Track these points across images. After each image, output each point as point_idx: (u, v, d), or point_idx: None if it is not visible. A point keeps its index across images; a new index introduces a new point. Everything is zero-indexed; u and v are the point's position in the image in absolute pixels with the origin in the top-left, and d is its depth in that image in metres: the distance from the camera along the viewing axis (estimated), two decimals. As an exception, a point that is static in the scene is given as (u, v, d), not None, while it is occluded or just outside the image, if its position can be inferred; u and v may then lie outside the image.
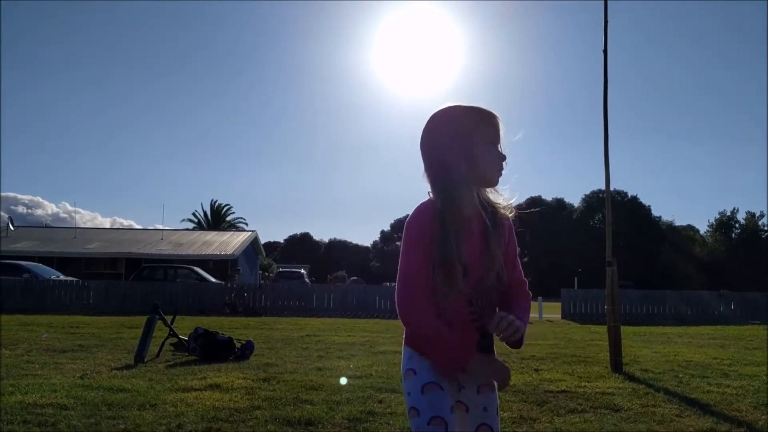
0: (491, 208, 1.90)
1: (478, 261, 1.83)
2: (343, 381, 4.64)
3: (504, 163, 1.88)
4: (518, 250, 2.02)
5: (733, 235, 74.33)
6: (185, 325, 9.27)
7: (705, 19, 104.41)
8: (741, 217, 74.65)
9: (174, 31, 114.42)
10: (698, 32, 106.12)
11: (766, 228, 71.33)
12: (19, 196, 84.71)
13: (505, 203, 1.93)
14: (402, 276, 1.79)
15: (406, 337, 1.88)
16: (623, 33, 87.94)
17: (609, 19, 7.13)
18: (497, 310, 1.88)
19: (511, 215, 1.95)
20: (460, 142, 1.83)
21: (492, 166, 1.86)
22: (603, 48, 7.16)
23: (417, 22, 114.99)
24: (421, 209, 1.83)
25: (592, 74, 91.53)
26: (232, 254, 32.08)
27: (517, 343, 1.87)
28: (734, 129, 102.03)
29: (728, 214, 75.35)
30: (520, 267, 2.01)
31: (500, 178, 1.89)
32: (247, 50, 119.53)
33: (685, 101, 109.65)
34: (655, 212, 77.93)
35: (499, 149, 1.88)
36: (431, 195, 1.86)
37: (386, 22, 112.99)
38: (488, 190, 1.92)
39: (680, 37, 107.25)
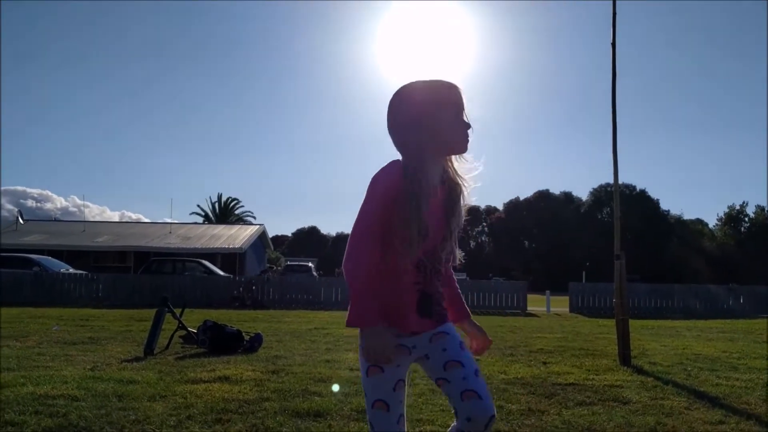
0: (453, 181, 1.98)
1: (435, 229, 1.90)
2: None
3: (470, 131, 1.95)
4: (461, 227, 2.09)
5: (743, 228, 73.99)
6: (194, 318, 9.32)
7: (714, 10, 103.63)
8: (750, 210, 74.30)
9: (182, 26, 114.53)
10: (707, 23, 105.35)
11: (775, 221, 70.86)
12: (29, 190, 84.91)
13: (469, 173, 2.00)
14: (355, 228, 1.84)
15: None
16: (632, 25, 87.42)
17: (618, 11, 7.08)
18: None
19: (473, 185, 2.01)
20: (424, 113, 1.91)
21: (457, 134, 1.94)
22: (611, 41, 7.11)
23: (427, 15, 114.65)
24: (390, 170, 1.88)
25: (601, 67, 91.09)
26: (240, 248, 32.16)
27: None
28: (744, 122, 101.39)
29: (737, 207, 75.03)
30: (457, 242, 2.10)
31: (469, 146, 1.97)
32: (256, 44, 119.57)
33: (694, 94, 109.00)
34: (663, 206, 77.77)
35: (464, 118, 1.95)
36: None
37: (397, 13, 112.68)
38: (456, 159, 2.00)
39: (689, 29, 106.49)
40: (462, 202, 2.00)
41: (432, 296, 1.96)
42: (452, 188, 1.97)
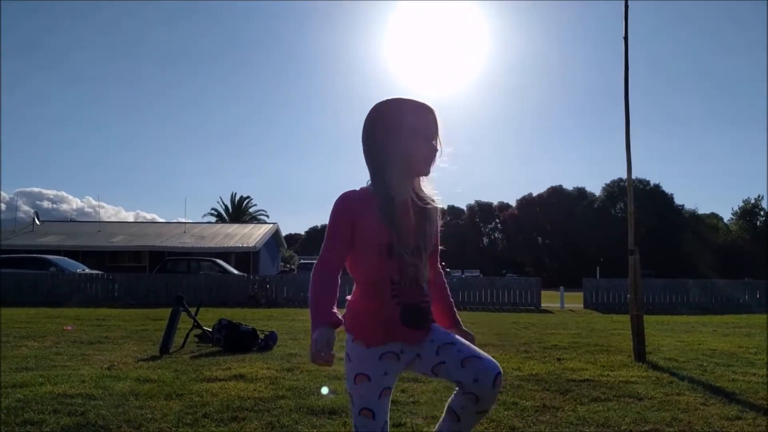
0: (422, 199, 2.02)
1: (404, 245, 1.95)
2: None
3: (437, 155, 2.00)
4: (439, 241, 2.15)
5: (758, 222, 73.18)
6: (209, 317, 9.38)
7: (730, 3, 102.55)
8: (766, 204, 73.48)
9: (195, 26, 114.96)
10: (722, 16, 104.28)
11: (792, 215, 70.05)
12: (45, 191, 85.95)
13: (434, 197, 2.06)
14: (322, 247, 2.00)
15: (345, 323, 2.08)
16: (645, 19, 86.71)
17: (630, 4, 7.04)
18: (423, 289, 2.05)
19: (438, 207, 2.08)
20: (394, 134, 1.95)
21: (421, 158, 1.98)
22: (624, 35, 7.07)
23: (438, 12, 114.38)
24: (350, 194, 1.97)
25: (613, 61, 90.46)
26: (254, 246, 32.30)
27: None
28: (759, 115, 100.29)
29: (752, 201, 74.22)
30: (438, 254, 2.18)
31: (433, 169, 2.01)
32: (268, 43, 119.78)
33: (708, 87, 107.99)
34: (677, 200, 77.15)
35: (435, 143, 1.99)
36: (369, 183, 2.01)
37: (410, 12, 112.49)
38: (422, 181, 2.04)
39: (702, 22, 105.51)
40: (432, 222, 2.04)
41: (418, 306, 2.01)
42: (420, 205, 2.01)
